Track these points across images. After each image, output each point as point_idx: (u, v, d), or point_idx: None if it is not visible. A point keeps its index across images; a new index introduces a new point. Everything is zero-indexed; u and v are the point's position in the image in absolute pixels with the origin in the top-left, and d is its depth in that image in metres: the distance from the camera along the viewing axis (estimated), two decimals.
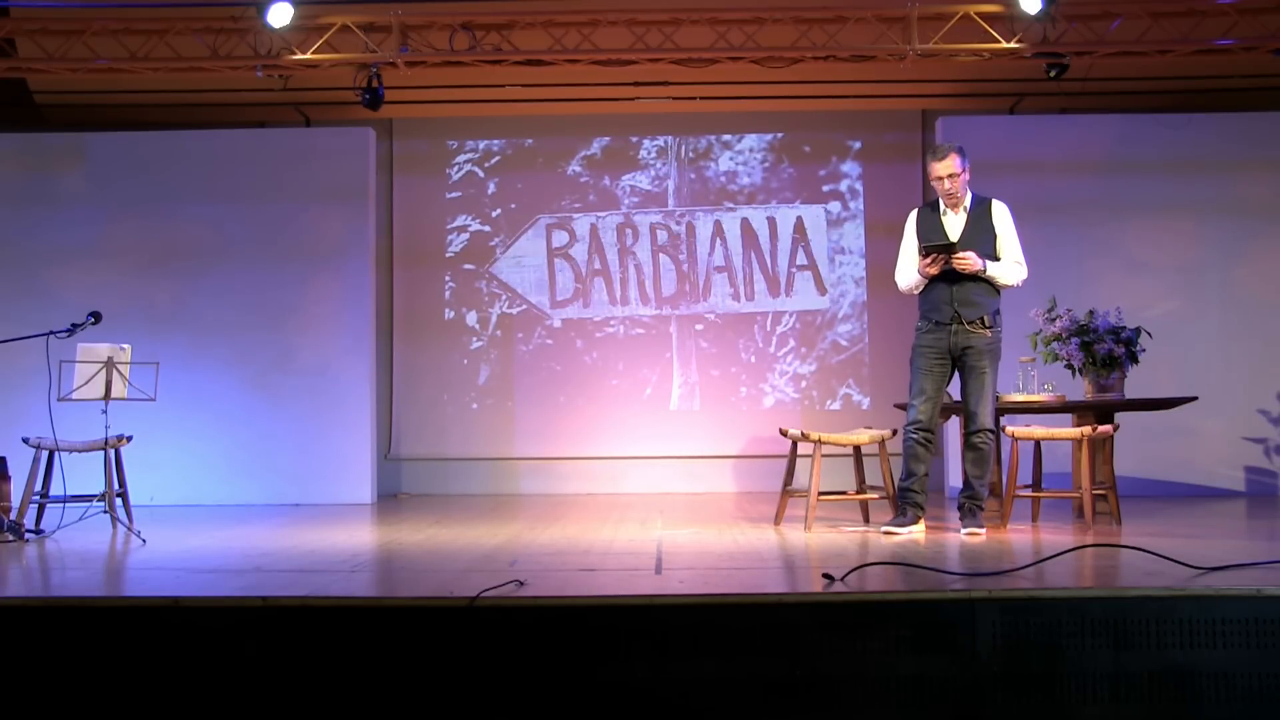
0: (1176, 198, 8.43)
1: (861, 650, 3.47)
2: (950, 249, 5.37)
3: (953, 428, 7.61)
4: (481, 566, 4.45)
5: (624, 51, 7.65)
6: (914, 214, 5.74)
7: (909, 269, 5.61)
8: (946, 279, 5.45)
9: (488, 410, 9.07)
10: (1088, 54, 7.58)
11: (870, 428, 6.38)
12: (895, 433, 6.08)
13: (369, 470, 8.45)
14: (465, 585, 3.82)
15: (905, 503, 5.54)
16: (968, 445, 5.52)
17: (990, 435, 5.50)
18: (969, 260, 5.36)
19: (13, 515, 5.99)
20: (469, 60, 7.70)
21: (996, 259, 5.47)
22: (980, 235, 5.48)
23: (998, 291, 5.51)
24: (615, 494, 8.69)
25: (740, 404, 9.05)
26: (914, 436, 5.53)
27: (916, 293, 5.63)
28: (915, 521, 5.52)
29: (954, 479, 7.84)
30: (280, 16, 7.26)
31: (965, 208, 5.54)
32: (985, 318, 5.45)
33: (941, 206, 5.58)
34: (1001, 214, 5.56)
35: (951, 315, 5.44)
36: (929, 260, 5.41)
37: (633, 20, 7.62)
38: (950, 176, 5.47)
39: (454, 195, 9.22)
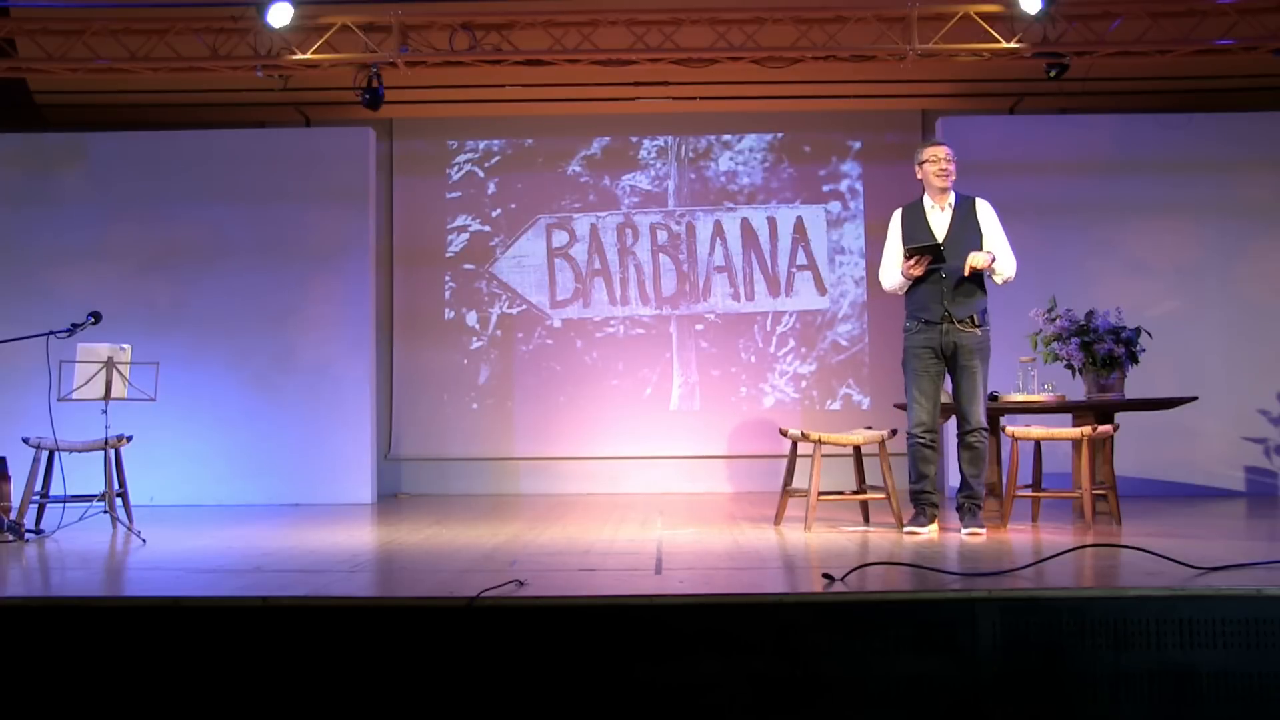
0: (1176, 198, 8.43)
1: (861, 650, 3.46)
2: (936, 250, 5.36)
3: (948, 427, 7.61)
4: (481, 566, 4.44)
5: (624, 51, 7.66)
6: (898, 213, 5.71)
7: (895, 269, 5.60)
8: (936, 277, 5.44)
9: (488, 410, 9.07)
10: (1088, 54, 7.58)
11: (870, 428, 6.37)
12: (895, 432, 6.08)
13: (369, 470, 8.45)
14: (465, 585, 3.82)
15: (922, 503, 5.55)
16: (963, 445, 5.52)
17: (984, 433, 5.51)
18: (984, 259, 5.36)
19: (13, 515, 5.99)
20: (469, 60, 7.71)
21: None
22: (967, 234, 5.48)
23: (986, 290, 5.52)
24: (615, 494, 8.68)
25: (740, 404, 9.05)
26: (921, 439, 5.52)
27: (902, 293, 5.62)
28: (932, 521, 5.54)
29: (952, 478, 7.84)
30: (280, 16, 7.27)
31: (950, 204, 5.55)
32: (975, 316, 5.44)
33: (927, 203, 5.57)
34: (987, 211, 5.57)
35: (942, 314, 5.43)
36: (913, 262, 5.39)
37: (633, 20, 7.62)
38: (948, 159, 5.50)
39: (454, 195, 9.22)
